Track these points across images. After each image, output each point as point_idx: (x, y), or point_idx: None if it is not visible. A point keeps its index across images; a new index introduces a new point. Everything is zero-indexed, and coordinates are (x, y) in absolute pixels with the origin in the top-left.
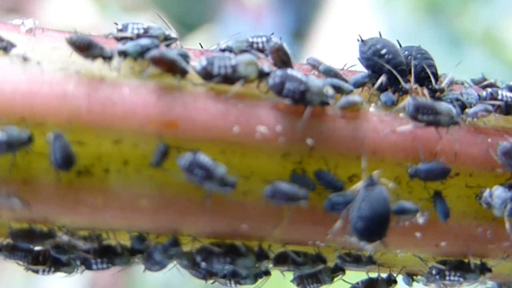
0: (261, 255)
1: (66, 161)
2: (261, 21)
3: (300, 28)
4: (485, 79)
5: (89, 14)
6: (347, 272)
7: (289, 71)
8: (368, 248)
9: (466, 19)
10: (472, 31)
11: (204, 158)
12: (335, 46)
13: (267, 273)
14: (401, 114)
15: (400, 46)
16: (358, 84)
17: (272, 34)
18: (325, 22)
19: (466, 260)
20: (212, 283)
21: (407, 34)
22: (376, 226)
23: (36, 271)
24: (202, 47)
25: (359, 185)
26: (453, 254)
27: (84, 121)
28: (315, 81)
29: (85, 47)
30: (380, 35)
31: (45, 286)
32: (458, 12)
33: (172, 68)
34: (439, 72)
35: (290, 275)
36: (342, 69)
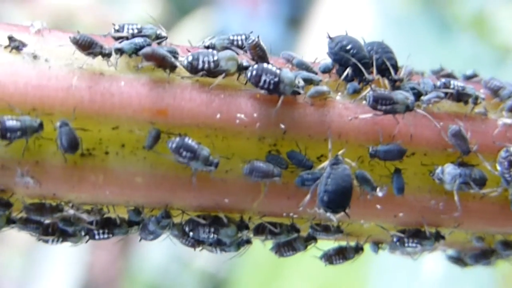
0: (242, 226)
1: (71, 145)
2: (257, 7)
3: (296, 15)
4: (442, 69)
5: None
6: (321, 241)
7: (265, 65)
8: (333, 219)
9: (456, 5)
10: (461, 16)
11: (190, 141)
12: (331, 33)
13: (248, 241)
14: (364, 102)
15: (364, 42)
16: (325, 70)
17: (251, 32)
18: (320, 9)
19: (422, 229)
20: (200, 250)
21: (399, 20)
22: (339, 199)
23: (46, 241)
24: (190, 44)
25: (326, 163)
26: (411, 223)
27: (86, 110)
28: (288, 73)
29: (86, 46)
30: (347, 33)
31: (44, 270)
32: None
33: (162, 63)
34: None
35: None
36: (314, 62)
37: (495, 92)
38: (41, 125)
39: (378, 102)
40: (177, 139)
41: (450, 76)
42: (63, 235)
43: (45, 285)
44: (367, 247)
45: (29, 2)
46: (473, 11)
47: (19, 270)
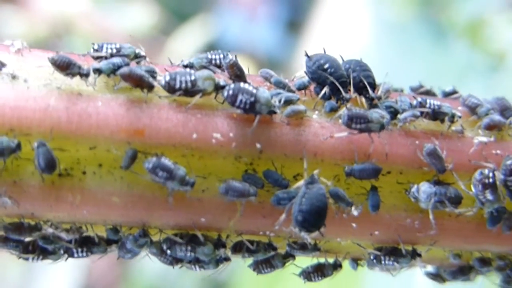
0: (219, 244)
1: (49, 166)
2: (256, 11)
3: (295, 18)
4: (421, 86)
5: (81, 2)
6: (301, 258)
7: (242, 84)
8: (307, 238)
9: (451, 11)
10: (456, 23)
11: (166, 161)
12: (329, 36)
13: (227, 259)
14: (340, 121)
15: (343, 60)
16: (301, 87)
17: (229, 51)
18: (319, 13)
19: (399, 247)
20: (180, 267)
21: (396, 26)
22: (314, 218)
23: (27, 259)
24: (171, 62)
25: (301, 183)
26: (387, 241)
27: (64, 131)
28: (264, 93)
29: (64, 66)
30: (324, 51)
31: (43, 274)
32: (444, 5)
33: (140, 83)
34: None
35: None
36: (292, 79)
37: (472, 109)
38: (18, 146)
39: (352, 121)
40: (154, 159)
41: (429, 93)
42: (43, 253)
43: None
44: (346, 263)
45: (27, 10)
46: (468, 18)
47: (18, 274)
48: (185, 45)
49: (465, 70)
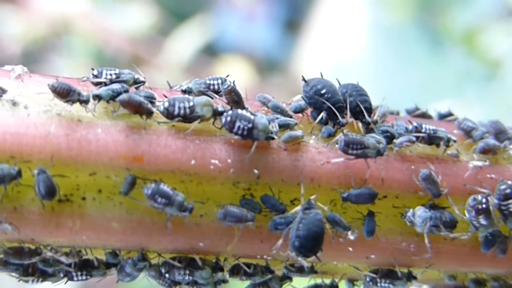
0: (217, 268)
1: (49, 192)
2: (254, 11)
3: (293, 18)
4: (417, 109)
5: (80, 1)
6: (298, 278)
7: (239, 111)
8: (304, 263)
9: (448, 19)
10: (453, 31)
11: (165, 187)
12: (327, 37)
13: (225, 281)
14: (337, 146)
15: (339, 83)
16: (297, 110)
17: (227, 76)
18: (317, 13)
19: (394, 269)
20: None
21: (392, 30)
22: (311, 244)
23: (27, 281)
24: (170, 86)
25: (298, 208)
26: (383, 264)
27: (64, 157)
28: (262, 119)
29: (64, 93)
30: (322, 75)
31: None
32: (441, 11)
33: (139, 109)
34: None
35: None
36: (289, 103)
37: (467, 132)
38: (19, 173)
39: (349, 147)
40: (153, 185)
41: (424, 116)
42: (43, 275)
43: None
44: (342, 284)
45: (26, 10)
46: (464, 26)
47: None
48: (184, 45)
49: (462, 77)
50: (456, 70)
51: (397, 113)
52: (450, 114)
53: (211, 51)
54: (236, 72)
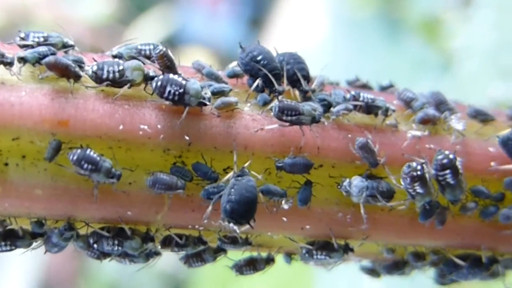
0: (147, 238)
1: None
2: (217, 7)
3: (257, 15)
4: (358, 80)
5: None
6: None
7: (171, 76)
8: (236, 230)
9: (406, 8)
10: (410, 20)
11: (92, 153)
12: (290, 33)
13: (157, 253)
14: (272, 113)
15: (277, 52)
16: (231, 75)
17: (161, 42)
18: (281, 10)
19: (331, 241)
20: (109, 261)
21: (353, 22)
22: (243, 209)
23: None
24: (102, 51)
25: (230, 175)
26: (319, 236)
27: None
28: (194, 84)
29: None
30: (259, 42)
31: None
32: (400, 1)
33: (66, 72)
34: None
35: None
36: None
37: (407, 103)
38: None
39: (283, 113)
40: (78, 151)
41: (365, 86)
42: None
43: (1, 285)
44: (279, 258)
45: None
46: (422, 15)
47: None
48: (144, 36)
49: (418, 67)
50: (412, 60)
51: (337, 84)
52: (391, 86)
53: (172, 44)
54: None
